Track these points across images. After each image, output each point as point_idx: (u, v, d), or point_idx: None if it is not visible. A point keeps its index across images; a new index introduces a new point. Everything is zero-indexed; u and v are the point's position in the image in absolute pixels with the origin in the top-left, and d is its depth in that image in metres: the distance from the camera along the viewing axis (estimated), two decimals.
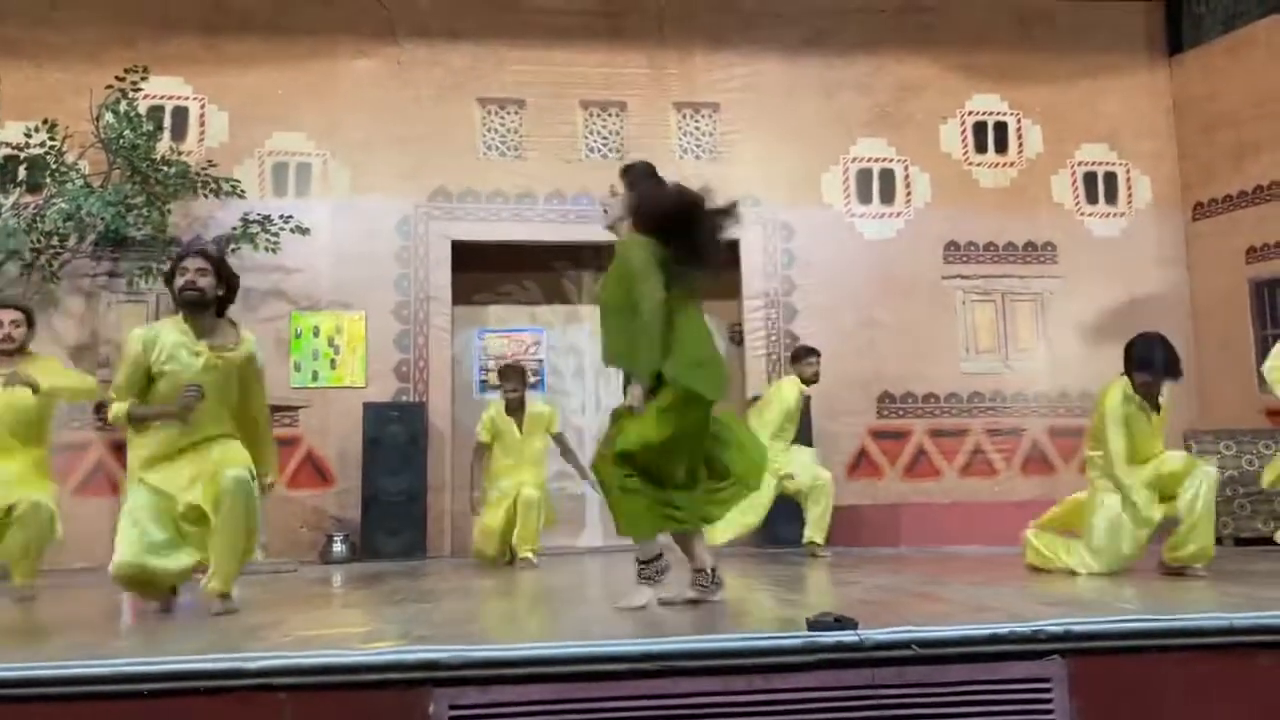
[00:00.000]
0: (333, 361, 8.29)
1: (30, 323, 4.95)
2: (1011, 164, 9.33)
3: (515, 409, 6.78)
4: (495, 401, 6.99)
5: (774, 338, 8.83)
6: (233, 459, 3.62)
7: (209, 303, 3.80)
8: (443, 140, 8.70)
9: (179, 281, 3.76)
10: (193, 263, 3.76)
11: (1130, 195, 9.36)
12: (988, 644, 2.41)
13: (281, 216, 7.83)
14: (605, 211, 3.69)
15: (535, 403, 6.99)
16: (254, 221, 7.71)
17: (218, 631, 3.10)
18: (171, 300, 3.86)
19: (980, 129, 9.35)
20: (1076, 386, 8.93)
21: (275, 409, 6.96)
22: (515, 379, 6.81)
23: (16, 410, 4.71)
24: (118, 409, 3.75)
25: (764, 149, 9.03)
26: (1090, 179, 9.35)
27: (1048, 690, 2.40)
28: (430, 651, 2.34)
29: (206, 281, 3.76)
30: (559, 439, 6.87)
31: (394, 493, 7.74)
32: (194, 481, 3.62)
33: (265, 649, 2.53)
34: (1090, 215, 9.30)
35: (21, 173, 7.46)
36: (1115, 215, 9.32)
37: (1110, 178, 9.37)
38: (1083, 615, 2.57)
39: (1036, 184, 9.29)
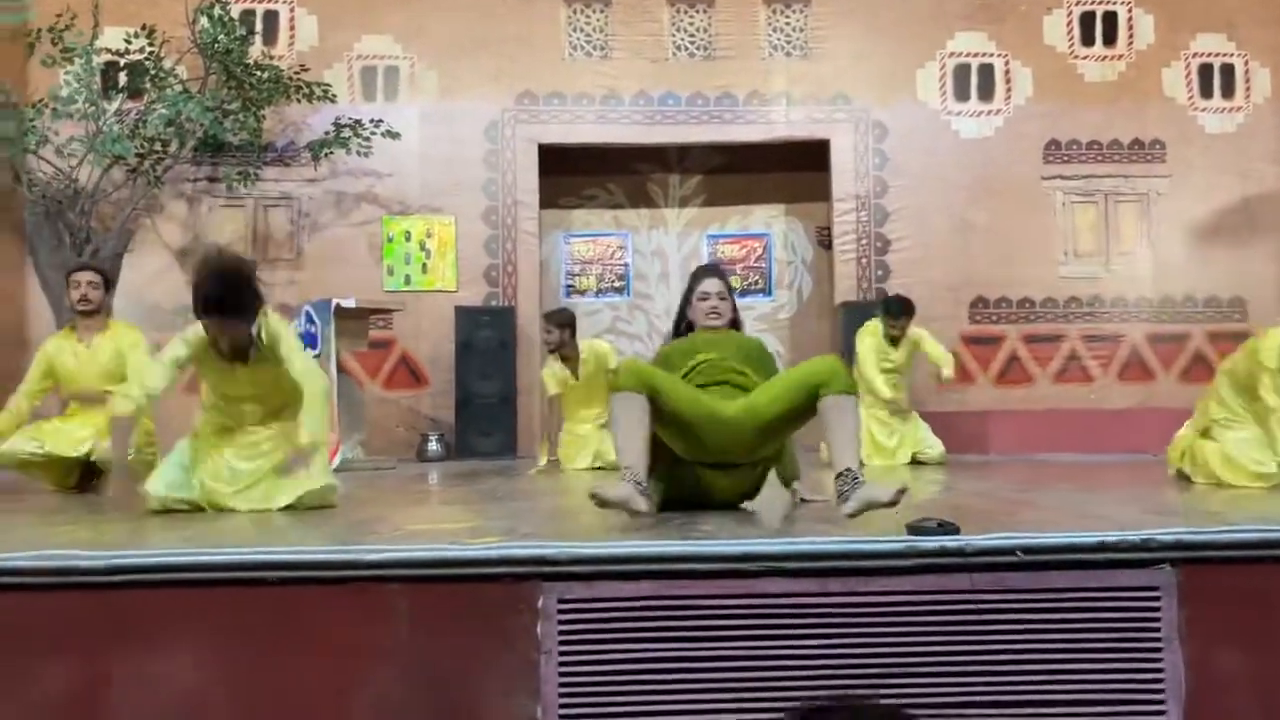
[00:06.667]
0: (424, 266, 8.42)
1: (109, 285, 5.13)
2: (1120, 56, 8.86)
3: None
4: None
5: (864, 241, 8.67)
6: None
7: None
8: (528, 41, 8.60)
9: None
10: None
11: (1248, 88, 8.83)
12: (1095, 552, 2.39)
13: (372, 121, 7.88)
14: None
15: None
16: (345, 126, 7.78)
17: (330, 525, 3.24)
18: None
19: (1088, 19, 8.87)
20: (1181, 291, 8.62)
21: (371, 312, 7.16)
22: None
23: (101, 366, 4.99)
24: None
25: (856, 44, 8.73)
26: (1205, 71, 8.84)
27: (1155, 600, 2.37)
28: (540, 547, 2.41)
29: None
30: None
31: (486, 395, 7.92)
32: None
33: (378, 543, 2.63)
34: (1203, 110, 8.81)
35: (122, 79, 7.61)
36: (1231, 110, 8.82)
37: (1227, 70, 8.84)
38: (1194, 525, 2.52)
39: (1146, 78, 8.81)
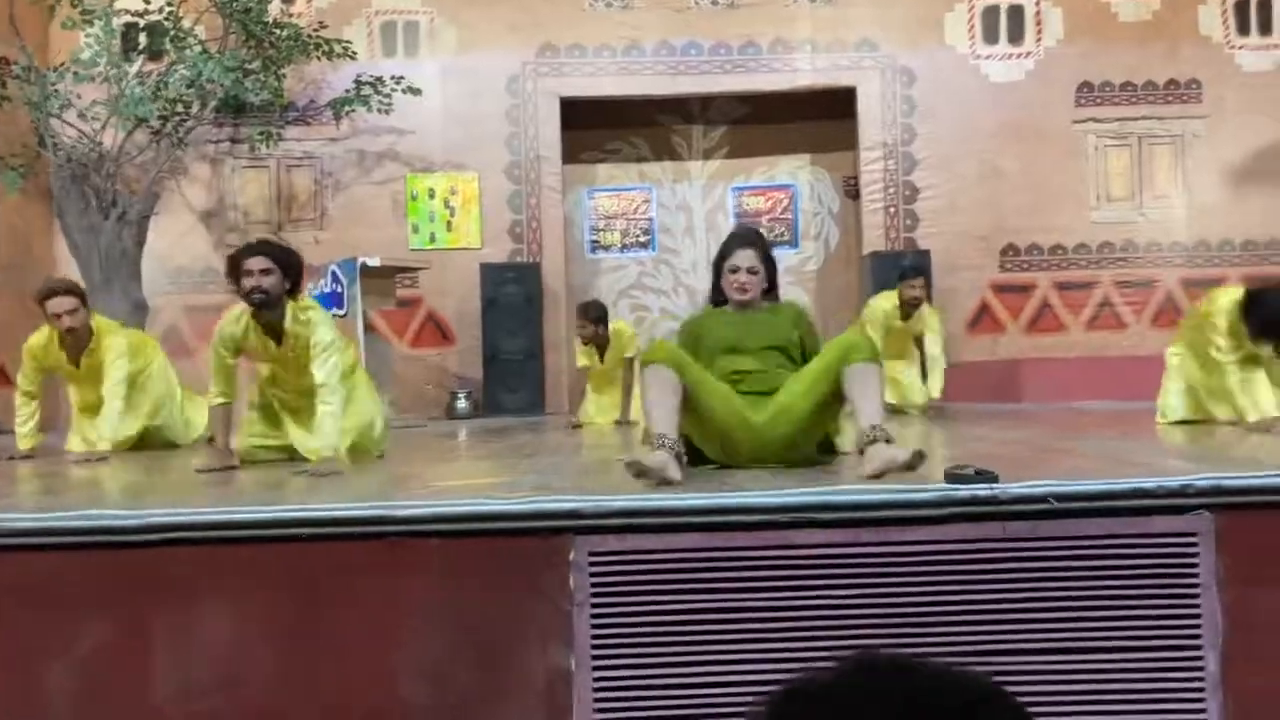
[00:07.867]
0: (449, 223, 8.40)
1: (85, 303, 4.68)
2: None
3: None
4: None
5: (892, 190, 8.54)
6: None
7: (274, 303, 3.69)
8: None
9: (245, 284, 3.65)
10: (256, 263, 3.64)
11: None
12: (1131, 498, 2.36)
13: (393, 78, 7.82)
14: None
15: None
16: (366, 83, 7.73)
17: (363, 482, 3.27)
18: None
19: None
20: (1217, 235, 8.46)
21: (396, 270, 7.16)
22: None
23: None
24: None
25: None
26: (1242, 7, 8.58)
27: (1193, 546, 2.35)
28: (572, 501, 2.41)
29: (270, 281, 3.64)
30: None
31: (512, 352, 7.93)
32: None
33: (411, 498, 2.65)
34: (1241, 48, 8.56)
35: (142, 40, 7.58)
36: (1271, 47, 8.57)
37: (1265, 5, 8.59)
38: (1233, 470, 2.48)
39: (1181, 16, 8.56)
